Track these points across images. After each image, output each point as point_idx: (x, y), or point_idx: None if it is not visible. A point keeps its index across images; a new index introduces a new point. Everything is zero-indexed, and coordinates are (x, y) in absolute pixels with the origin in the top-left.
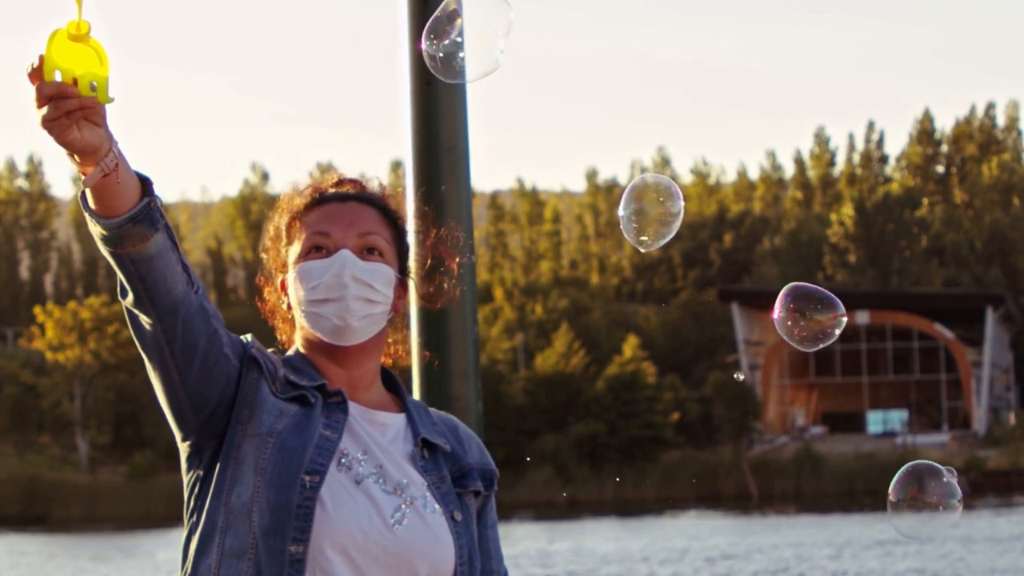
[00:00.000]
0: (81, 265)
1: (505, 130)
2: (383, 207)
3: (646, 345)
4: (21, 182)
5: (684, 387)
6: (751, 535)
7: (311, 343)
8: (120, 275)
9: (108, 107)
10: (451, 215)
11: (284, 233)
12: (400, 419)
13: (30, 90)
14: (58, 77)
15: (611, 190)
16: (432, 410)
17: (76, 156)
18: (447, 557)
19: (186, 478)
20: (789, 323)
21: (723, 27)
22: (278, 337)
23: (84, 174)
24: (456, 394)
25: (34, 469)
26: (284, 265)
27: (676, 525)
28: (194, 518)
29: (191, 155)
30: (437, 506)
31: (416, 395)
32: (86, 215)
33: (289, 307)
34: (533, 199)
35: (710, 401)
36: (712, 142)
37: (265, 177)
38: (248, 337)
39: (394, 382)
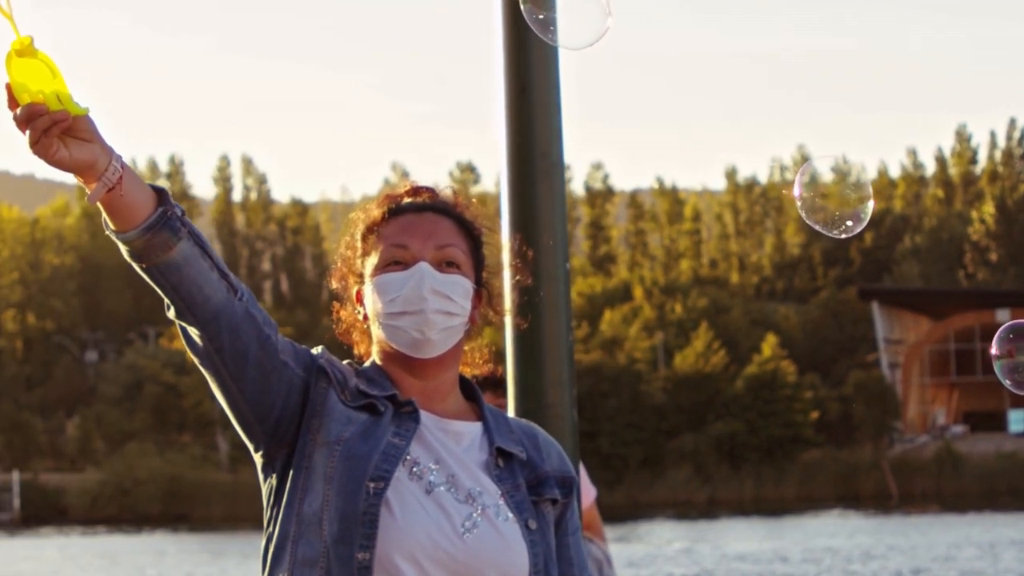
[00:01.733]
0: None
1: (645, 129)
2: (458, 217)
3: (786, 344)
4: (163, 182)
5: (824, 386)
6: (891, 535)
7: (387, 354)
8: (156, 288)
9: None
10: (545, 221)
11: (360, 244)
12: (476, 428)
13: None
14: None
15: (751, 188)
16: (512, 418)
17: (76, 175)
18: (519, 565)
19: (263, 488)
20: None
21: (865, 25)
22: (355, 351)
23: (86, 184)
24: (550, 402)
25: (175, 468)
26: (360, 276)
27: (816, 525)
28: (270, 528)
29: (331, 155)
30: (511, 514)
31: (511, 403)
32: (105, 222)
33: (365, 318)
34: (673, 198)
35: (850, 400)
36: (853, 140)
37: (405, 176)
38: (318, 349)
39: (472, 391)
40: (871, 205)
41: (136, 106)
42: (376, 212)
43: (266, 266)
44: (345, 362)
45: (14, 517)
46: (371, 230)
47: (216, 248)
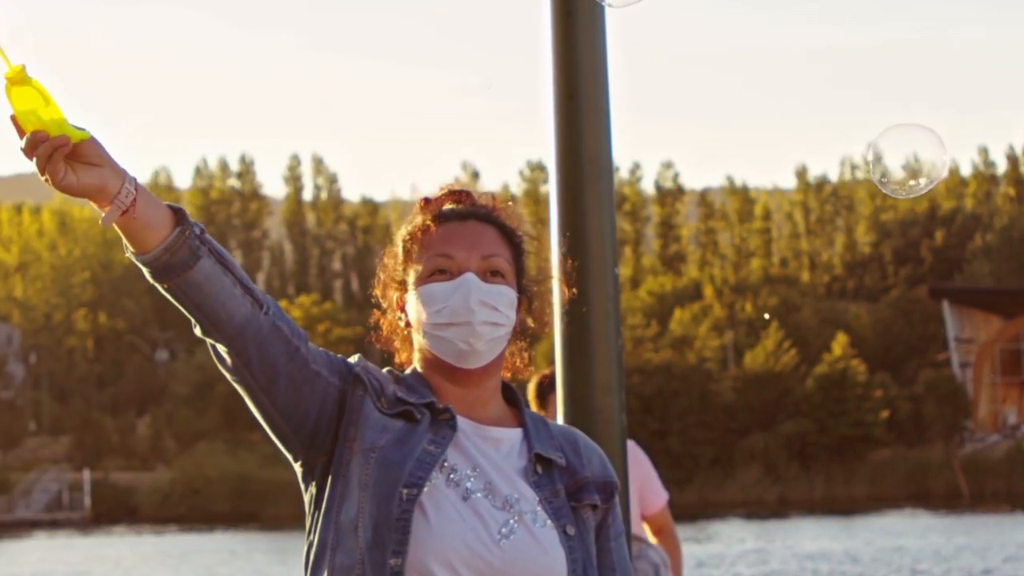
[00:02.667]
0: (292, 264)
1: (715, 128)
2: (501, 225)
3: (856, 343)
4: (233, 182)
5: (894, 385)
6: (962, 535)
7: (429, 362)
8: (180, 307)
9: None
10: (593, 227)
11: (403, 252)
12: (515, 434)
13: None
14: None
15: (821, 187)
16: (554, 423)
17: (88, 199)
18: (557, 571)
19: (304, 496)
20: None
21: (936, 22)
22: (396, 358)
23: (100, 206)
24: (599, 406)
25: (245, 467)
26: (402, 284)
27: (886, 524)
28: (310, 535)
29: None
30: (549, 521)
31: (559, 407)
32: (131, 256)
33: (407, 325)
34: (743, 196)
35: (921, 399)
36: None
37: (476, 175)
38: (355, 357)
39: (514, 396)
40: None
41: (208, 105)
42: (419, 220)
43: (336, 265)
44: (385, 370)
45: (85, 516)
46: (414, 239)
47: (286, 248)
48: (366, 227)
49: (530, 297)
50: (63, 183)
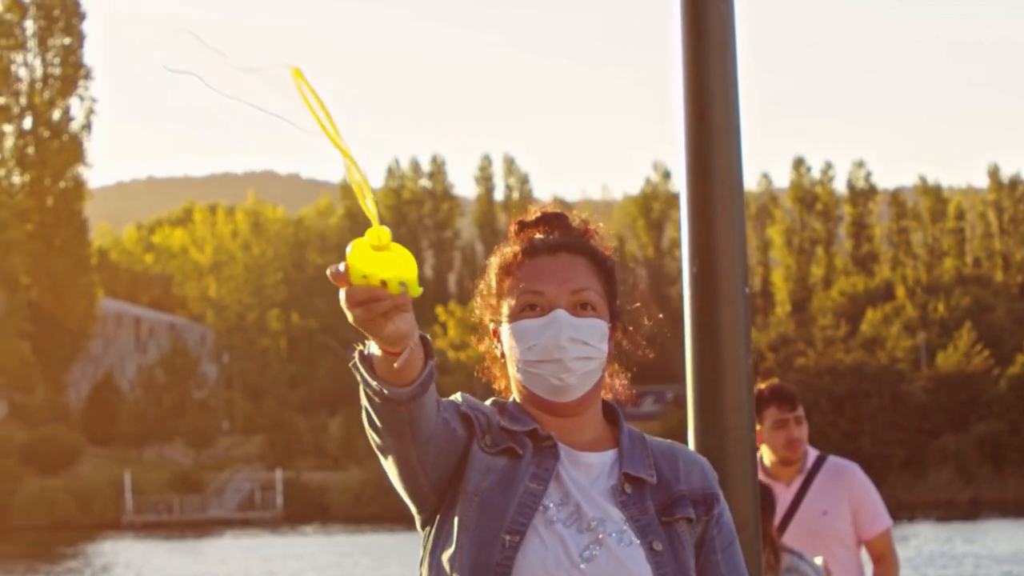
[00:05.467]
0: (484, 264)
1: (908, 127)
2: (592, 252)
3: None
4: (425, 182)
5: None
6: None
7: (524, 396)
8: (387, 423)
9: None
10: (724, 247)
11: (495, 284)
12: (607, 457)
13: (339, 292)
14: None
15: (1015, 186)
16: (655, 439)
17: (392, 345)
18: None
19: (421, 535)
20: None
21: None
22: (495, 385)
23: (389, 354)
24: (730, 425)
25: None
26: (496, 314)
27: None
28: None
29: (593, 154)
30: (635, 539)
31: (690, 426)
32: (365, 378)
33: (503, 355)
34: (936, 196)
35: None
36: None
37: (667, 176)
38: (458, 397)
39: (615, 416)
40: None
41: (400, 105)
42: (510, 251)
43: None
44: (489, 401)
45: (277, 515)
46: (506, 272)
47: (478, 248)
48: None
49: (624, 321)
50: (385, 333)
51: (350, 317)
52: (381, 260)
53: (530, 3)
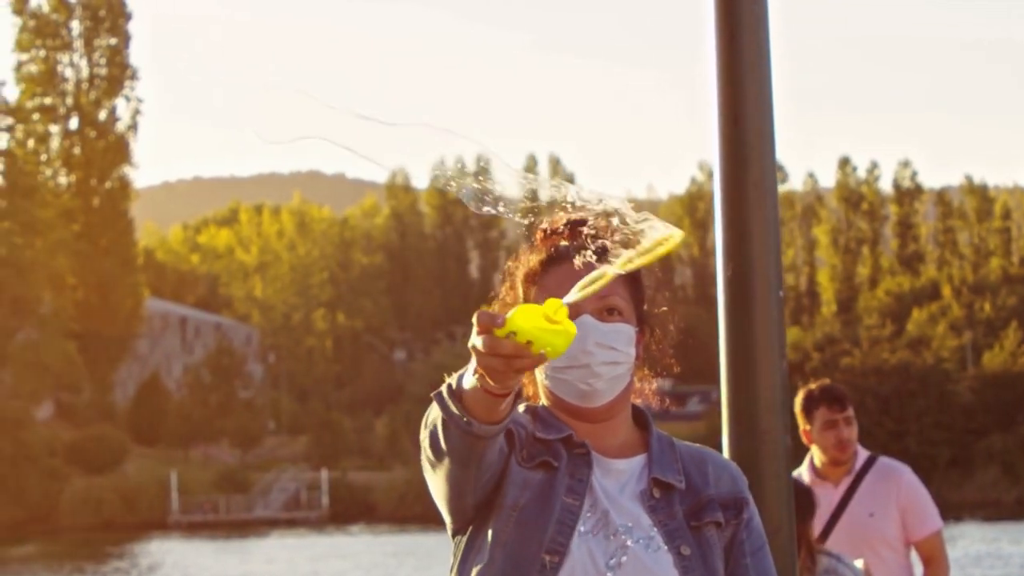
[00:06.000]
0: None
1: (954, 126)
2: None
3: None
4: (469, 181)
5: None
6: None
7: (554, 402)
8: (459, 452)
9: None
10: (758, 253)
11: (520, 293)
12: (636, 463)
13: (478, 334)
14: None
15: None
16: (684, 444)
17: (502, 389)
18: None
19: (452, 543)
20: None
21: None
22: (524, 392)
23: (496, 397)
24: (764, 428)
25: None
26: None
27: None
28: None
29: (638, 153)
30: (663, 544)
31: (724, 429)
32: (452, 411)
33: None
34: (982, 195)
35: None
36: None
37: (712, 175)
38: None
39: (645, 420)
40: None
41: (446, 102)
42: (534, 259)
43: None
44: (521, 407)
45: (322, 515)
46: (531, 280)
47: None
48: None
49: (651, 325)
50: (508, 384)
51: (481, 360)
52: (545, 330)
53: (569, 5)
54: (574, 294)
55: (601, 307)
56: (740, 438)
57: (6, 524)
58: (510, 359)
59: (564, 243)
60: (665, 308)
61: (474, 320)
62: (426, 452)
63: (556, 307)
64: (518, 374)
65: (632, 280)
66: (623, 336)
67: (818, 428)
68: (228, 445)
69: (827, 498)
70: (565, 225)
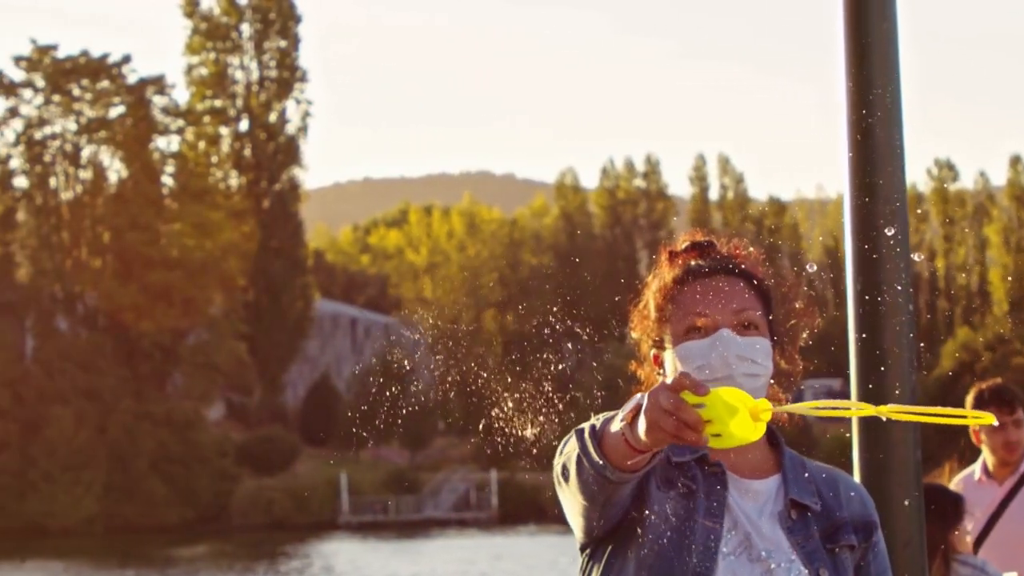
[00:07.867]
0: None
1: None
2: (747, 275)
3: None
4: (639, 182)
5: None
6: None
7: None
8: (590, 492)
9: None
10: (891, 268)
11: (655, 311)
12: (772, 483)
13: (662, 394)
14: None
15: None
16: (815, 464)
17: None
18: None
19: (581, 556)
20: None
21: None
22: None
23: (642, 451)
24: (895, 440)
25: None
26: (656, 341)
27: None
28: None
29: (805, 152)
30: (803, 568)
31: (854, 441)
32: (591, 454)
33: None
34: None
35: None
36: None
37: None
38: None
39: (776, 439)
40: None
41: (614, 106)
42: (668, 278)
43: None
44: None
45: (492, 515)
46: (666, 298)
47: None
48: (772, 226)
49: (782, 341)
50: (662, 445)
51: (654, 414)
52: (739, 423)
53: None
54: (802, 408)
55: (738, 322)
56: (870, 450)
57: (178, 524)
58: (683, 428)
59: (695, 262)
60: (794, 322)
61: (673, 378)
62: (557, 478)
63: (765, 407)
64: (676, 442)
65: (763, 296)
66: (762, 349)
67: (987, 429)
68: (398, 446)
69: (992, 497)
70: (691, 246)
